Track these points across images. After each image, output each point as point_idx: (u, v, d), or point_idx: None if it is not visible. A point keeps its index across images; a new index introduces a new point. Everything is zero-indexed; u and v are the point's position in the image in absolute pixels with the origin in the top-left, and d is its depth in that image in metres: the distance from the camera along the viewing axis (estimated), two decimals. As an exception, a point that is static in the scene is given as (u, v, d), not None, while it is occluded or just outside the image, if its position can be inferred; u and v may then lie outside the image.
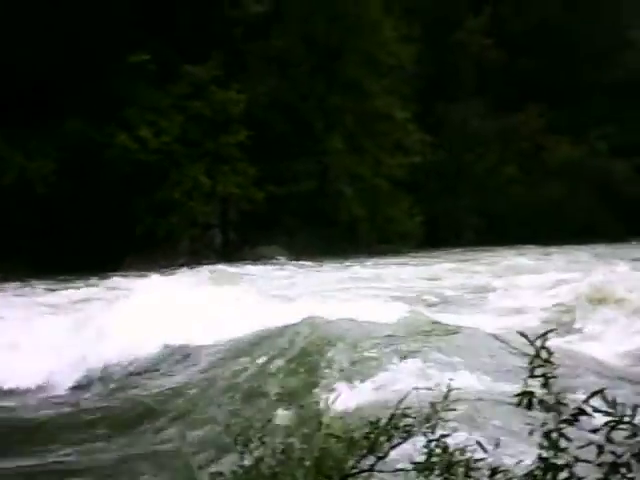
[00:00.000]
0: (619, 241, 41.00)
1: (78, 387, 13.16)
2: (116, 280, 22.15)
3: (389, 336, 12.44)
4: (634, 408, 3.75)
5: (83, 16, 30.39)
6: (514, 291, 19.29)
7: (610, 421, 3.76)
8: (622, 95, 48.31)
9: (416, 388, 7.56)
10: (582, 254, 33.17)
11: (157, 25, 31.78)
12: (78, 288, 20.93)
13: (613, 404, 3.78)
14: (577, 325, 15.09)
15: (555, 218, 42.35)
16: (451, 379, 4.73)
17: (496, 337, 12.30)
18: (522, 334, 4.27)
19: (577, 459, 3.94)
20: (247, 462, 3.98)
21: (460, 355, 11.17)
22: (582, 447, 3.95)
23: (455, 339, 12.29)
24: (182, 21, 32.38)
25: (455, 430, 4.49)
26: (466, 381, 9.44)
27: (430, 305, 17.81)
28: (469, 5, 43.36)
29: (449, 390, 4.39)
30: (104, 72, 30.51)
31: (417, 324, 13.50)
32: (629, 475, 3.71)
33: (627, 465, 3.73)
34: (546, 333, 4.34)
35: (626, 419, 3.75)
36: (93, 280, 23.06)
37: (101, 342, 14.06)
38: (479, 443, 4.02)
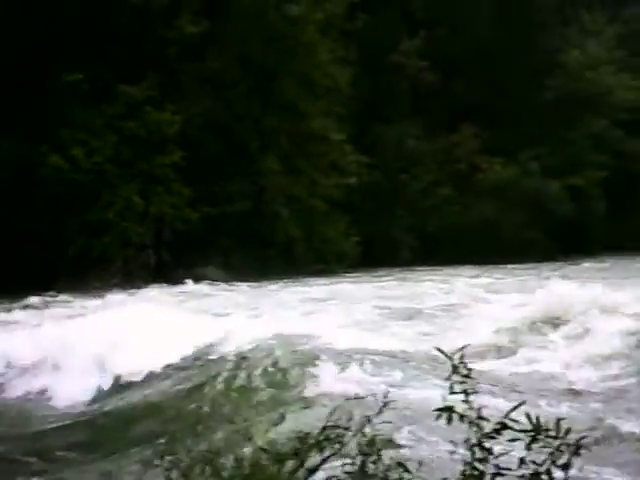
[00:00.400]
0: (552, 260, 41.62)
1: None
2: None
3: (327, 350, 12.46)
4: (557, 422, 3.89)
5: (17, 34, 30.07)
6: (449, 311, 19.46)
7: (531, 433, 3.88)
8: (553, 116, 49.12)
9: (348, 399, 7.60)
10: (516, 273, 33.67)
11: (92, 44, 31.54)
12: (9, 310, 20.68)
13: (536, 419, 3.89)
14: (511, 345, 15.23)
15: (489, 238, 42.78)
16: (387, 392, 4.75)
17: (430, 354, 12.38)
18: (439, 350, 4.33)
19: (499, 470, 4.03)
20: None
21: (396, 370, 11.22)
22: (502, 455, 4.04)
23: (391, 356, 12.35)
24: (117, 41, 32.14)
25: (389, 441, 4.50)
26: (402, 394, 9.49)
27: (366, 323, 17.86)
28: (404, 27, 43.69)
29: (385, 403, 4.40)
30: (38, 91, 30.19)
31: (354, 340, 13.54)
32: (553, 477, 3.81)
33: (548, 473, 3.85)
34: (462, 348, 4.40)
35: (550, 432, 3.87)
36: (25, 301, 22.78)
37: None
38: (401, 464, 4.11)
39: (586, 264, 39.05)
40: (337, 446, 4.18)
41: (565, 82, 50.10)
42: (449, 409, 4.09)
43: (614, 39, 54.77)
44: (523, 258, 41.42)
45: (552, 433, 3.87)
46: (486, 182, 45.05)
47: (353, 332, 14.98)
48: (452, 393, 4.06)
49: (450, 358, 4.26)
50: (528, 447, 3.89)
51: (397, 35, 42.96)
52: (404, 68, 42.88)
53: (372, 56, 40.79)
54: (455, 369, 4.13)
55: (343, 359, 11.87)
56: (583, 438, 3.90)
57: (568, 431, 3.87)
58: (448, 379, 4.09)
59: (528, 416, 3.92)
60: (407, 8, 44.12)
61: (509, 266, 37.17)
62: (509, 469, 3.94)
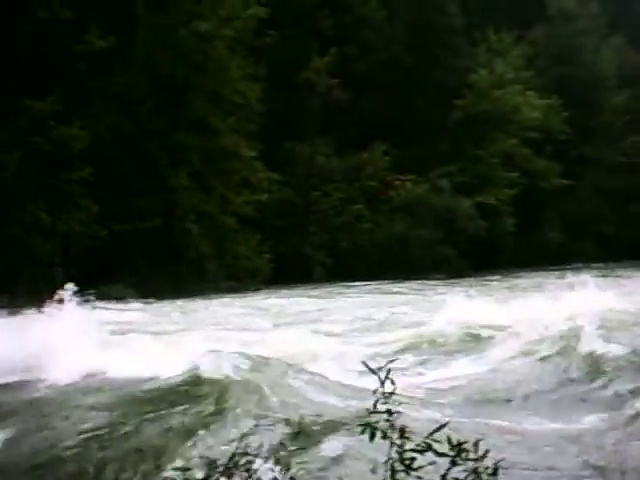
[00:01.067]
0: (463, 276, 42.05)
1: None
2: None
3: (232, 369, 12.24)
4: (476, 443, 4.00)
5: None
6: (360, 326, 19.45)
7: (451, 454, 3.97)
8: (463, 135, 49.82)
9: (257, 425, 7.43)
10: (427, 289, 33.94)
11: (-3, 58, 30.93)
12: None
13: (457, 443, 3.97)
14: (424, 360, 15.27)
15: (401, 254, 43.10)
16: (302, 414, 4.66)
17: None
18: (365, 365, 4.27)
19: None
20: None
21: (312, 390, 11.06)
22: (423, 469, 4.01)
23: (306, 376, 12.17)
24: (23, 54, 31.54)
25: (303, 463, 4.42)
26: (319, 415, 9.34)
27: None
28: (315, 45, 43.85)
29: (300, 427, 4.29)
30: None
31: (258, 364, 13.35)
32: None
33: None
34: (390, 362, 4.34)
35: (470, 454, 3.98)
36: None
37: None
38: None
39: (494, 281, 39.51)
40: (245, 474, 4.11)
41: (474, 101, 50.89)
42: (371, 426, 4.09)
43: (521, 59, 55.89)
44: (434, 274, 41.84)
45: (472, 455, 3.98)
46: (397, 199, 45.40)
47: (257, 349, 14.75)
48: (374, 412, 4.09)
49: (376, 373, 4.25)
50: (449, 468, 3.98)
51: (307, 52, 43.10)
52: (315, 85, 43.02)
53: (282, 73, 40.87)
54: (382, 384, 4.15)
55: (251, 380, 11.69)
56: (500, 460, 4.03)
57: (486, 453, 4.00)
58: (374, 393, 4.11)
59: (449, 439, 3.98)
60: (317, 26, 44.29)
61: (421, 282, 37.49)
62: None
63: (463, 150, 49.71)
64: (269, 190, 38.74)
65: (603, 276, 41.03)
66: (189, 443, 9.04)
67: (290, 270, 38.12)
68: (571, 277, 37.55)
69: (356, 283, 36.53)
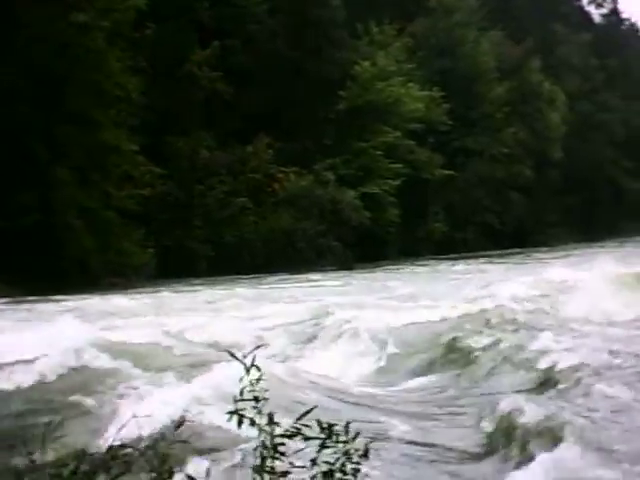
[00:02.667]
0: (348, 268, 42.42)
1: None
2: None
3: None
4: (346, 425, 4.06)
5: None
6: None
7: (322, 437, 4.03)
8: (347, 127, 50.19)
9: (135, 416, 7.37)
10: (315, 280, 34.17)
11: None
12: None
13: (328, 425, 4.04)
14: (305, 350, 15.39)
15: (287, 247, 43.22)
16: (185, 410, 4.66)
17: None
18: (230, 353, 4.29)
19: (292, 468, 4.07)
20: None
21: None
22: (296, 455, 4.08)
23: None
24: None
25: (183, 458, 4.43)
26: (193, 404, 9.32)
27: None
28: (196, 38, 43.56)
29: (180, 422, 4.27)
30: None
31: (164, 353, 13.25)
32: (345, 477, 3.98)
33: (342, 470, 4.00)
34: (256, 348, 4.37)
35: (340, 437, 4.04)
36: None
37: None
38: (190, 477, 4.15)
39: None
40: (123, 466, 4.07)
41: (357, 93, 51.33)
42: (238, 413, 4.11)
43: (403, 51, 56.59)
44: (320, 266, 42.12)
45: (342, 438, 4.03)
46: (282, 192, 45.48)
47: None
48: (241, 400, 4.12)
49: (242, 362, 4.25)
50: (319, 450, 4.04)
51: (188, 45, 42.78)
52: (197, 78, 42.75)
53: (164, 66, 40.46)
54: (248, 371, 4.16)
55: (132, 376, 11.59)
56: (371, 441, 4.11)
57: (357, 435, 4.06)
58: (240, 381, 4.12)
59: (319, 422, 4.04)
60: (198, 18, 43.98)
61: (306, 275, 37.70)
62: (302, 467, 4.05)
63: (347, 142, 50.11)
64: (152, 184, 38.38)
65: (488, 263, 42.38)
66: (66, 436, 8.92)
67: (175, 264, 37.81)
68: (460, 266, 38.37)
69: (243, 276, 36.61)
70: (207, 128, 43.15)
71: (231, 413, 4.14)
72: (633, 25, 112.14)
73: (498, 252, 53.57)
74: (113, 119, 36.98)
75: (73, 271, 33.61)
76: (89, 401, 10.31)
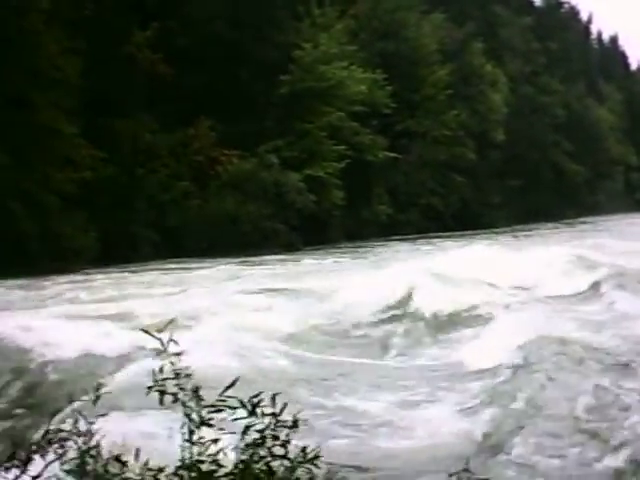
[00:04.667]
0: (294, 250, 42.32)
1: None
2: None
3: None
4: (272, 397, 4.08)
5: None
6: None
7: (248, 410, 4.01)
8: (290, 109, 49.98)
9: (72, 401, 7.18)
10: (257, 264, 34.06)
11: None
12: None
13: (249, 398, 4.01)
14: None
15: (231, 230, 42.94)
16: (98, 389, 4.51)
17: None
18: (145, 331, 4.18)
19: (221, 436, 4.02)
20: None
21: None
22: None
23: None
24: None
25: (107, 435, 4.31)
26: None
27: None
28: (135, 19, 43.00)
29: (96, 398, 4.24)
30: None
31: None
32: (276, 443, 4.01)
33: (274, 437, 4.02)
34: (169, 323, 4.25)
35: (268, 408, 4.05)
36: None
37: None
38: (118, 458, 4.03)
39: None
40: (60, 450, 4.02)
41: (299, 76, 51.08)
42: (161, 391, 4.04)
43: (345, 34, 56.47)
44: (265, 250, 41.88)
45: (269, 411, 4.03)
46: (225, 175, 45.20)
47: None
48: (163, 379, 4.04)
49: (157, 338, 4.17)
50: (247, 417, 4.03)
51: (128, 26, 42.22)
52: (137, 60, 42.21)
53: (103, 47, 39.79)
54: (164, 348, 4.10)
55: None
56: (299, 412, 4.15)
57: (284, 406, 4.07)
58: (158, 357, 4.07)
59: (241, 401, 4.02)
60: (137, -1, 43.45)
61: (252, 258, 37.53)
62: (232, 433, 4.02)
63: (290, 124, 49.90)
64: (93, 167, 37.81)
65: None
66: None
67: (117, 248, 37.35)
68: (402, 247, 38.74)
69: (187, 259, 36.32)
70: (148, 110, 42.66)
71: (149, 388, 4.05)
72: (573, 8, 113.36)
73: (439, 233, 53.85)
74: (52, 101, 36.38)
75: (11, 256, 32.99)
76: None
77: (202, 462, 3.97)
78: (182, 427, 4.02)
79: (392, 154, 57.49)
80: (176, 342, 4.13)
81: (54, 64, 36.32)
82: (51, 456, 3.99)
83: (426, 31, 66.16)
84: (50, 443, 4.01)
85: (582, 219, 76.74)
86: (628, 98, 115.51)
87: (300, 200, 46.89)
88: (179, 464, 4.00)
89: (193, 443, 3.99)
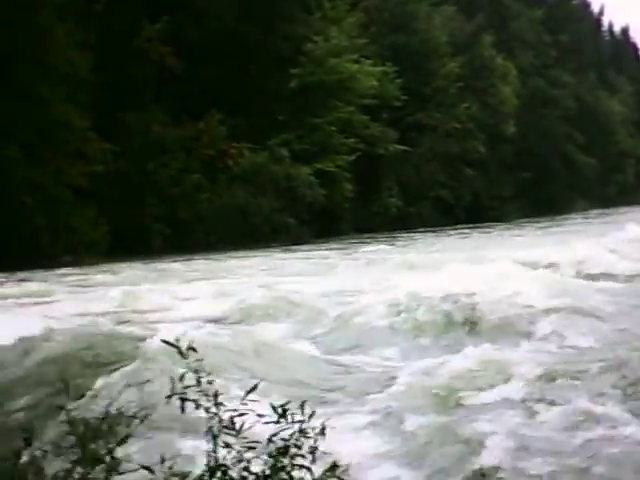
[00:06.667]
0: (303, 243, 42.33)
1: None
2: None
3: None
4: (301, 404, 4.11)
5: None
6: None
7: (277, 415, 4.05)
8: (300, 103, 49.94)
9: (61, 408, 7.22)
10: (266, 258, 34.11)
11: None
12: None
13: (280, 406, 4.06)
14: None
15: (241, 223, 42.97)
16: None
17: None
18: (166, 341, 4.20)
19: (248, 446, 4.03)
20: None
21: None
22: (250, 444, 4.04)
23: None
24: None
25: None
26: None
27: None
28: (146, 12, 43.00)
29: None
30: None
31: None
32: (300, 452, 4.01)
33: (297, 446, 4.02)
34: (184, 334, 4.26)
35: (296, 416, 4.07)
36: None
37: None
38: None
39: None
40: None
41: (310, 69, 51.02)
42: (182, 398, 4.06)
43: (355, 27, 56.37)
44: (275, 243, 41.94)
45: (298, 417, 4.05)
46: (236, 169, 45.19)
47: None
48: (185, 387, 4.07)
49: (177, 346, 4.19)
50: (276, 431, 4.05)
51: (139, 20, 42.22)
52: (147, 54, 42.22)
53: (114, 41, 39.88)
54: (183, 356, 4.12)
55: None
56: (327, 419, 4.14)
57: (313, 413, 4.10)
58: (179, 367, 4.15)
59: (272, 405, 4.06)
60: (147, -8, 43.45)
61: (261, 251, 37.60)
62: (258, 442, 4.03)
63: (301, 118, 49.86)
64: (104, 161, 37.90)
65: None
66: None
67: (128, 242, 37.43)
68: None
69: (198, 253, 36.37)
70: (159, 104, 42.66)
71: (169, 396, 4.08)
72: (584, 0, 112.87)
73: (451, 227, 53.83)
74: (63, 95, 36.45)
75: (24, 249, 33.17)
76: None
77: (227, 467, 3.99)
78: (206, 432, 4.04)
79: (402, 147, 57.42)
80: (195, 350, 4.16)
81: (65, 58, 36.38)
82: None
83: (437, 23, 65.99)
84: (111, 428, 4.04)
85: (598, 211, 76.64)
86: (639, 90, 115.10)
87: (311, 194, 46.88)
88: (204, 469, 4.02)
89: (216, 449, 4.03)
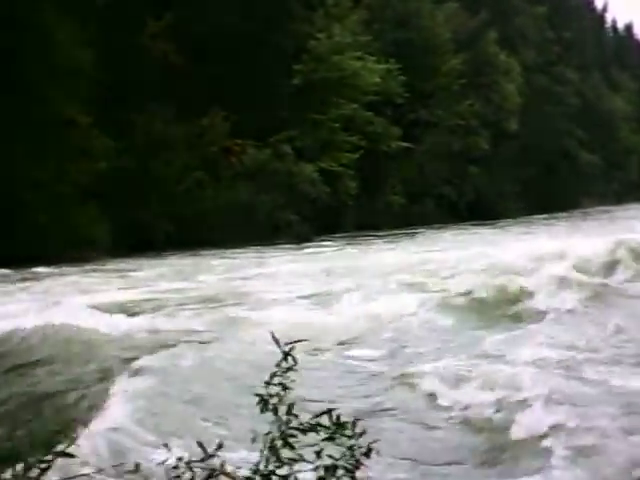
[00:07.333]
0: (306, 241, 42.30)
1: None
2: None
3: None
4: (353, 423, 4.09)
5: None
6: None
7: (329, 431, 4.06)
8: (304, 100, 49.89)
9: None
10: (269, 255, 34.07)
11: None
12: None
13: (337, 417, 4.08)
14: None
15: (244, 220, 42.91)
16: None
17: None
18: (274, 338, 4.22)
19: (295, 459, 4.05)
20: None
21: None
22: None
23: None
24: None
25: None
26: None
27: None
28: (149, 9, 42.95)
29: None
30: None
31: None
32: (347, 473, 4.02)
33: (345, 468, 4.03)
34: (297, 341, 4.32)
35: (347, 432, 4.07)
36: None
37: None
38: (200, 444, 4.06)
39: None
40: None
41: (313, 66, 50.99)
42: (264, 398, 4.16)
43: (358, 24, 56.31)
44: (278, 240, 41.91)
45: (349, 432, 4.06)
46: (239, 166, 45.14)
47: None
48: (268, 383, 4.16)
49: (282, 348, 4.27)
50: (324, 440, 4.08)
51: (142, 16, 42.17)
52: (151, 50, 42.17)
53: (117, 38, 39.81)
54: (286, 357, 4.21)
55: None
56: (374, 442, 4.12)
57: (363, 432, 4.10)
58: (278, 366, 4.18)
59: (330, 415, 4.11)
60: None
61: (265, 248, 37.59)
62: (309, 462, 4.06)
63: (304, 115, 49.81)
64: (107, 158, 37.85)
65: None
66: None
67: (131, 239, 37.40)
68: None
69: (202, 250, 36.34)
70: (162, 101, 42.55)
71: (260, 396, 4.15)
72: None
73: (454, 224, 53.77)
74: (66, 92, 36.40)
75: (26, 246, 33.10)
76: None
77: (275, 475, 4.03)
78: (266, 435, 4.09)
79: (405, 144, 57.32)
80: (294, 358, 4.24)
81: (68, 55, 36.31)
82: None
83: (440, 20, 65.88)
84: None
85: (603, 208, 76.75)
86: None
87: (314, 191, 46.85)
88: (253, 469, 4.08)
89: (273, 455, 4.07)
